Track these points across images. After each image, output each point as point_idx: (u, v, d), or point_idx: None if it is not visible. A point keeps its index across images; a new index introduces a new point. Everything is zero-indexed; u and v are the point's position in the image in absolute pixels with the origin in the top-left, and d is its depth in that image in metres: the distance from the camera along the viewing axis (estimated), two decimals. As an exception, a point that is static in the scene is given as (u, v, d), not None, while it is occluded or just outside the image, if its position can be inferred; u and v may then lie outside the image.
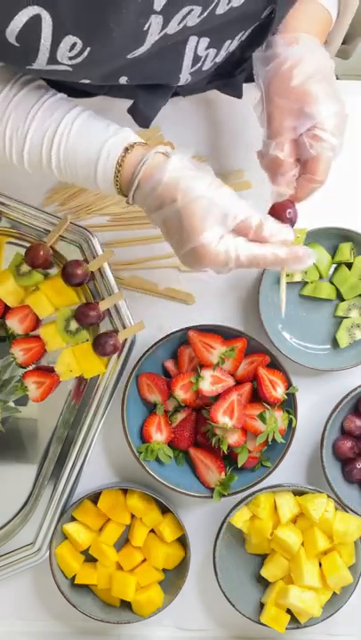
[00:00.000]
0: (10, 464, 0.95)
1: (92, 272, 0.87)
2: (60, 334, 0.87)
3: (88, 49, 0.58)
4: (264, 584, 0.95)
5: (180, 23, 0.61)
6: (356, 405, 0.95)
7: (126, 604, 0.94)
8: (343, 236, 0.92)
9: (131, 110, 0.76)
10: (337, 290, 0.94)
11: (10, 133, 0.69)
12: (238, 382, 0.90)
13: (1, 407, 0.93)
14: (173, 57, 0.67)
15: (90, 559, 0.94)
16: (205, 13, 0.61)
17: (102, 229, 0.94)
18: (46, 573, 0.93)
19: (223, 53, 0.70)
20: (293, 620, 0.93)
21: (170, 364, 0.93)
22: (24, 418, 0.95)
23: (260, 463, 0.91)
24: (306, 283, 0.93)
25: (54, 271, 0.90)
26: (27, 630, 0.99)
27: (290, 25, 0.71)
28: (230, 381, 0.89)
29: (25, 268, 0.87)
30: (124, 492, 0.93)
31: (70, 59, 0.59)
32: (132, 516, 0.93)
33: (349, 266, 0.93)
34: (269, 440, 0.88)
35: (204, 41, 0.66)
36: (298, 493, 0.93)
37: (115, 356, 0.89)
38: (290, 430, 0.90)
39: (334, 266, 0.94)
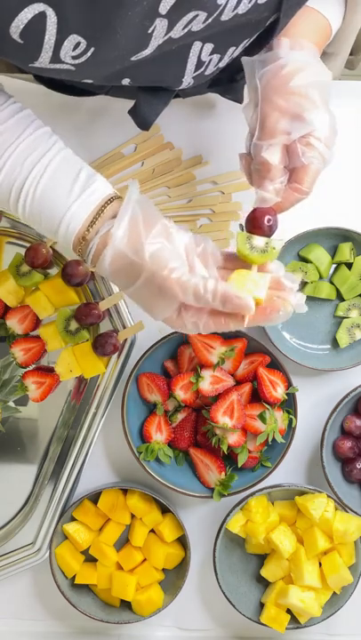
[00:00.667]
0: (10, 464, 0.95)
1: (92, 272, 0.87)
2: (59, 334, 0.87)
3: (92, 49, 0.58)
4: (264, 584, 0.95)
5: (184, 28, 0.60)
6: (356, 405, 0.95)
7: (126, 604, 0.94)
8: (343, 235, 0.92)
9: (131, 112, 0.75)
10: (337, 290, 0.94)
11: None
12: (238, 382, 0.90)
13: (1, 407, 0.93)
14: (177, 61, 0.67)
15: (90, 559, 0.94)
16: (210, 19, 0.61)
17: (102, 229, 0.94)
18: (46, 573, 0.93)
19: (227, 59, 0.70)
20: (293, 619, 0.93)
21: (170, 364, 0.93)
22: (24, 418, 0.95)
23: (260, 463, 0.91)
24: (306, 283, 0.93)
25: (54, 271, 0.90)
26: (27, 630, 0.99)
27: (290, 31, 0.71)
28: (230, 381, 0.89)
29: (25, 268, 0.87)
30: (124, 492, 0.93)
31: (73, 58, 0.59)
32: (132, 516, 0.93)
33: (349, 266, 0.93)
34: (269, 440, 0.89)
35: (209, 46, 0.66)
36: (298, 493, 0.93)
37: (115, 355, 0.89)
38: (290, 430, 0.90)
39: (334, 266, 0.94)
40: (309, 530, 0.91)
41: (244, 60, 0.72)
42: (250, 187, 0.93)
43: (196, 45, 0.65)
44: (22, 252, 0.87)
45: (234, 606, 0.92)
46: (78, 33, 0.56)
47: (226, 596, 0.92)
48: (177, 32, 0.61)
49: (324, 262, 0.92)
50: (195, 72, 0.69)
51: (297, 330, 0.94)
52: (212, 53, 0.67)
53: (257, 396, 0.90)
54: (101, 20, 0.55)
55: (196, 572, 0.97)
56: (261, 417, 0.87)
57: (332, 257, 0.93)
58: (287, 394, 0.89)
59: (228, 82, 0.81)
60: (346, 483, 0.95)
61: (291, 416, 0.90)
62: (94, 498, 0.93)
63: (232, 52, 0.69)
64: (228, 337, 0.90)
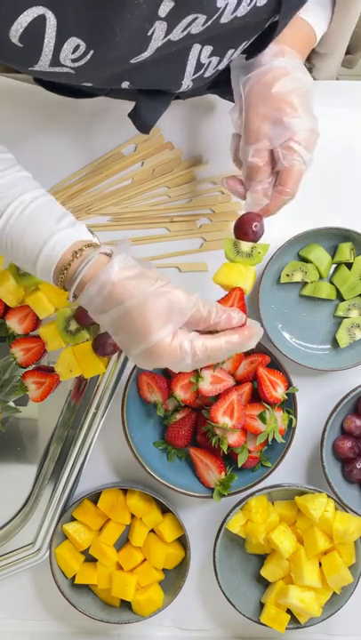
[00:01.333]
0: (10, 464, 0.95)
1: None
2: (60, 334, 0.87)
3: (91, 52, 0.58)
4: (264, 584, 0.95)
5: (184, 30, 0.61)
6: (356, 405, 0.95)
7: (126, 604, 0.94)
8: (343, 235, 0.92)
9: (131, 115, 0.75)
10: (337, 290, 0.94)
11: None
12: (238, 382, 0.90)
13: (1, 407, 0.93)
14: (176, 63, 0.67)
15: (90, 559, 0.94)
16: (210, 22, 0.61)
17: (102, 229, 0.94)
18: (46, 573, 0.93)
19: (226, 61, 0.70)
20: (293, 619, 0.93)
21: (170, 364, 0.93)
22: (24, 418, 0.95)
23: (260, 463, 0.91)
24: (306, 283, 0.93)
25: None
26: (27, 630, 0.99)
27: (277, 39, 0.72)
28: (230, 381, 0.89)
29: (25, 267, 0.87)
30: (124, 491, 0.93)
31: (73, 61, 0.59)
32: (132, 516, 0.93)
33: (349, 266, 0.93)
34: (269, 440, 0.88)
35: (208, 49, 0.66)
36: (298, 493, 0.93)
37: (115, 355, 0.89)
38: (290, 430, 0.90)
39: (334, 266, 0.94)
40: (309, 530, 0.91)
41: (231, 65, 0.73)
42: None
43: (196, 48, 0.65)
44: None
45: (234, 606, 0.92)
46: (78, 35, 0.56)
47: (226, 596, 0.92)
48: (176, 35, 0.61)
49: (324, 262, 0.92)
50: (194, 74, 0.69)
51: (297, 330, 0.94)
52: (211, 56, 0.68)
53: (257, 396, 0.90)
54: (101, 22, 0.55)
55: (196, 572, 0.97)
56: (261, 417, 0.87)
57: (332, 257, 0.93)
58: (287, 394, 0.89)
59: (227, 84, 0.82)
60: (346, 483, 0.95)
61: (291, 416, 0.90)
62: (94, 498, 0.93)
63: (231, 54, 0.69)
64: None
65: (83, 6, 0.54)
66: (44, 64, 0.58)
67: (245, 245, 0.71)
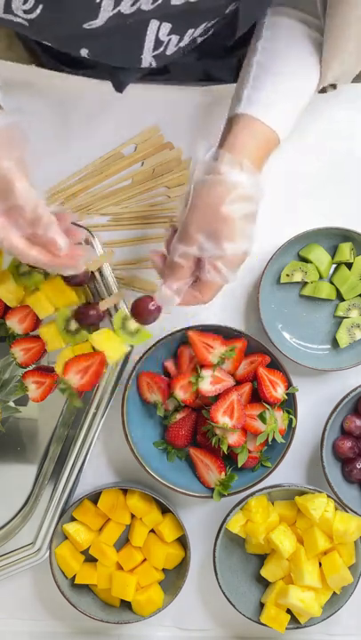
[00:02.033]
0: (10, 464, 0.95)
1: (92, 272, 0.87)
2: (60, 334, 0.87)
3: (40, 6, 0.61)
4: (264, 584, 0.95)
5: (133, 5, 0.63)
6: (356, 405, 0.95)
7: (126, 604, 0.94)
8: (343, 235, 0.92)
9: (110, 74, 0.78)
10: (337, 290, 0.94)
11: None
12: (238, 382, 0.90)
13: (1, 407, 0.93)
14: (134, 37, 0.68)
15: (90, 559, 0.94)
16: (160, 1, 0.63)
17: (102, 229, 0.94)
18: (46, 573, 0.93)
19: (187, 39, 0.71)
20: (293, 620, 0.93)
21: (170, 364, 0.93)
22: (24, 418, 0.95)
23: (260, 463, 0.91)
24: (306, 283, 0.93)
25: (54, 271, 0.90)
26: (27, 630, 0.99)
27: (234, 145, 0.72)
28: (230, 381, 0.89)
29: (25, 267, 0.87)
30: (124, 492, 0.93)
31: (25, 12, 0.62)
32: (132, 516, 0.94)
33: (349, 266, 0.93)
34: (269, 440, 0.89)
35: (166, 26, 0.67)
36: (298, 493, 0.93)
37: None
38: (290, 430, 0.90)
39: (334, 266, 0.94)
40: (309, 530, 0.91)
41: (194, 160, 0.73)
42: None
43: (153, 24, 0.66)
44: (22, 251, 0.87)
45: (234, 606, 0.92)
46: None
47: (226, 596, 0.92)
48: (126, 7, 0.63)
49: (324, 262, 0.92)
50: (154, 51, 0.70)
51: (297, 330, 0.94)
52: (170, 34, 0.68)
53: (257, 396, 0.90)
54: None
55: (196, 572, 0.97)
56: (261, 417, 0.87)
57: (332, 257, 0.93)
58: (287, 394, 0.89)
59: (223, 53, 0.82)
60: (346, 483, 0.95)
61: (291, 416, 0.90)
62: (94, 498, 0.93)
63: (192, 34, 0.70)
64: (228, 337, 0.90)
65: None
66: None
67: (133, 325, 0.77)
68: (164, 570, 0.94)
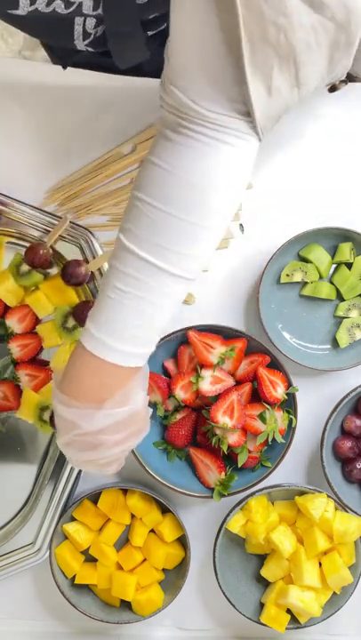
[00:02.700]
0: (10, 464, 0.95)
1: (91, 272, 0.87)
2: (57, 330, 0.87)
3: None
4: (264, 584, 0.95)
5: (48, 5, 0.63)
6: (356, 405, 0.95)
7: (126, 604, 0.94)
8: (343, 235, 0.92)
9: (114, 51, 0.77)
10: (337, 290, 0.94)
11: None
12: (238, 382, 0.90)
13: (1, 407, 0.93)
14: (63, 28, 0.68)
15: (90, 559, 0.94)
16: (73, 7, 0.63)
17: (102, 229, 0.94)
18: (46, 573, 0.93)
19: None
20: (293, 619, 0.93)
21: (170, 364, 0.93)
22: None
23: (260, 463, 0.91)
24: (306, 283, 0.93)
25: (54, 271, 0.90)
26: (27, 630, 0.99)
27: (76, 385, 0.69)
28: (230, 381, 0.89)
29: (25, 267, 0.87)
30: (124, 492, 0.93)
31: None
32: (132, 516, 0.93)
33: (349, 266, 0.93)
34: (269, 440, 0.88)
35: (91, 20, 0.67)
36: (298, 493, 0.93)
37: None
38: (290, 430, 0.90)
39: (334, 266, 0.94)
40: (309, 530, 0.91)
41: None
42: (250, 186, 0.94)
43: (79, 18, 0.66)
44: (22, 251, 0.87)
45: (234, 606, 0.92)
46: None
47: (226, 596, 0.92)
48: (42, 6, 0.63)
49: (324, 262, 0.92)
50: (84, 40, 0.70)
51: (297, 330, 0.94)
52: (96, 27, 0.68)
53: (257, 396, 0.90)
54: None
55: (196, 572, 0.97)
56: (261, 417, 0.87)
57: (332, 257, 0.93)
58: (287, 394, 0.89)
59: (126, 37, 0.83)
60: (346, 483, 0.95)
61: (291, 416, 0.90)
62: (94, 498, 0.93)
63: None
64: (228, 337, 0.90)
65: None
66: None
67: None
68: (164, 570, 0.94)
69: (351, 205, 0.95)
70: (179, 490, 0.91)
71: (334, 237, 0.92)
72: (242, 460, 0.88)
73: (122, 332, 0.66)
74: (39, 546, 0.93)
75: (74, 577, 0.94)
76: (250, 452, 0.89)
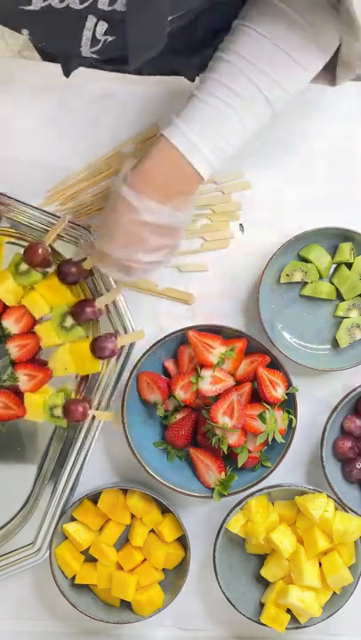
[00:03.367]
0: (10, 464, 0.95)
1: (89, 270, 0.87)
2: (55, 330, 0.87)
3: None
4: (264, 584, 0.95)
5: (62, 1, 0.63)
6: (356, 405, 0.95)
7: (126, 604, 0.94)
8: (343, 235, 0.92)
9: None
10: (337, 290, 0.94)
11: None
12: (238, 382, 0.90)
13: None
14: (72, 30, 0.68)
15: (90, 559, 0.94)
16: (87, 3, 0.63)
17: (102, 229, 0.94)
18: (46, 573, 0.93)
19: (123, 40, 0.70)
20: (293, 619, 0.93)
21: (170, 364, 0.93)
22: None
23: (260, 463, 0.91)
24: (306, 283, 0.93)
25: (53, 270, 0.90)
26: (27, 630, 0.99)
27: (148, 177, 0.72)
28: (230, 381, 0.89)
29: (24, 266, 0.87)
30: (124, 492, 0.93)
31: None
32: (132, 516, 0.93)
33: (349, 266, 0.93)
34: (269, 440, 0.89)
35: (103, 25, 0.67)
36: (298, 493, 0.93)
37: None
38: (290, 430, 0.90)
39: (334, 266, 0.94)
40: (309, 530, 0.91)
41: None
42: (250, 187, 0.94)
43: (90, 20, 0.66)
44: (22, 251, 0.87)
45: (234, 606, 0.92)
46: None
47: (226, 596, 0.92)
48: (55, 2, 0.63)
49: (324, 262, 0.92)
50: (92, 47, 0.70)
51: (297, 330, 0.94)
52: (106, 34, 0.68)
53: (257, 396, 0.90)
54: None
55: (196, 572, 0.97)
56: (261, 417, 0.87)
57: (332, 257, 0.93)
58: (287, 394, 0.89)
59: (189, 52, 0.82)
60: (346, 483, 0.95)
61: (291, 416, 0.90)
62: (94, 498, 0.93)
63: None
64: (228, 337, 0.90)
65: None
66: None
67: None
68: (164, 570, 0.94)
69: (351, 205, 0.95)
70: (179, 490, 0.91)
71: (334, 237, 0.92)
72: (242, 460, 0.88)
73: (207, 134, 0.72)
74: (39, 546, 0.93)
75: (74, 577, 0.94)
76: (250, 451, 0.89)
